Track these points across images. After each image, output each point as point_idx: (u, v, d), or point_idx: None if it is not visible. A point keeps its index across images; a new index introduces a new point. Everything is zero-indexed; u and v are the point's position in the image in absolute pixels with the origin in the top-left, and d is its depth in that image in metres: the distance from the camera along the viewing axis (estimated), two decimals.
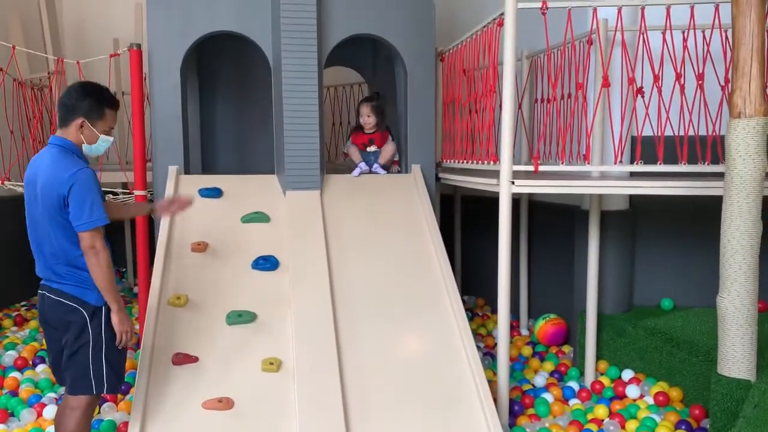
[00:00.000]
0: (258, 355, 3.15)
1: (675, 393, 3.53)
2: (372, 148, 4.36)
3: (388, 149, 4.37)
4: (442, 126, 4.63)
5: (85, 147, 2.70)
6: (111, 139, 2.76)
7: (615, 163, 3.44)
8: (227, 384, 3.01)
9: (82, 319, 2.62)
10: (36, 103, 4.97)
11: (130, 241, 6.43)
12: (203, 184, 4.04)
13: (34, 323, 4.94)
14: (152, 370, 3.00)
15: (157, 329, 3.18)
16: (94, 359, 2.63)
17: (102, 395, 2.72)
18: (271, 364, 3.09)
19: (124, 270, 6.77)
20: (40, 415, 3.45)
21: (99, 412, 3.47)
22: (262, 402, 2.98)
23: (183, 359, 3.07)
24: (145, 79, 4.12)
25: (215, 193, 3.97)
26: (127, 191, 4.39)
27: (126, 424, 3.15)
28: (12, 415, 3.50)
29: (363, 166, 4.34)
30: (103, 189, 4.37)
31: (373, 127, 4.35)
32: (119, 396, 3.67)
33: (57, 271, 2.65)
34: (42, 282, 2.72)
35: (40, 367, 4.06)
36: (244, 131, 5.30)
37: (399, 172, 4.43)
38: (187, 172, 4.15)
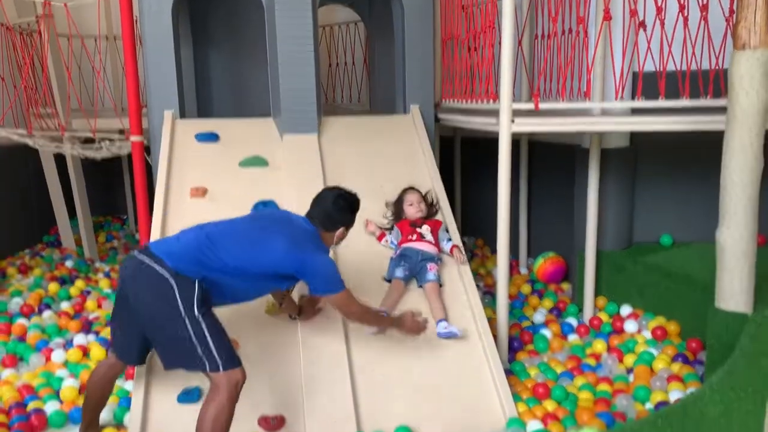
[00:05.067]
0: (262, 298, 3.18)
1: (672, 327, 3.59)
2: (425, 233, 3.45)
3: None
4: (440, 65, 4.54)
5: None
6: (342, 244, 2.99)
7: (616, 99, 3.39)
8: (231, 326, 3.02)
9: (171, 290, 2.45)
10: (26, 49, 4.87)
11: (129, 188, 6.43)
12: (199, 128, 4.00)
13: (38, 271, 4.98)
14: None
15: None
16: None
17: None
18: (275, 306, 3.12)
19: (125, 217, 6.79)
20: (48, 359, 3.52)
21: (107, 356, 3.53)
22: (267, 343, 3.03)
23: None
24: (136, 21, 4.02)
25: (212, 137, 3.94)
26: (123, 137, 4.35)
27: (132, 366, 3.20)
28: (21, 359, 3.57)
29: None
30: (99, 135, 4.37)
31: (422, 212, 3.53)
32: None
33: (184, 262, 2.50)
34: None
35: (47, 314, 4.11)
36: (239, 74, 5.21)
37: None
38: (182, 116, 4.10)
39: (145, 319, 2.48)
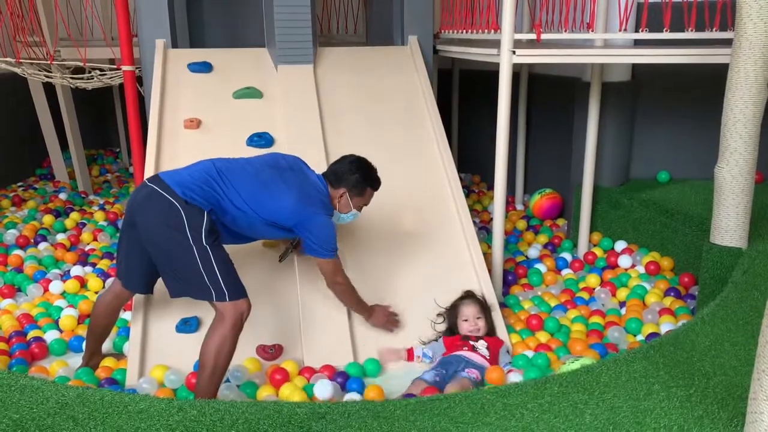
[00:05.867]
0: None
1: (666, 262, 3.62)
2: (480, 346, 2.80)
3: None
4: None
5: (335, 213, 2.76)
6: (359, 214, 2.85)
7: (620, 30, 3.31)
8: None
9: (181, 220, 2.43)
10: None
11: (121, 120, 6.33)
12: (192, 58, 3.90)
13: (32, 203, 4.96)
14: None
15: None
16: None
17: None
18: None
19: (118, 150, 6.72)
20: (46, 290, 3.54)
21: (104, 287, 3.56)
22: (264, 275, 3.04)
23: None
24: None
25: (205, 67, 3.85)
26: (115, 67, 4.24)
27: None
28: (19, 290, 3.59)
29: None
30: (89, 65, 4.26)
31: (483, 331, 2.89)
32: None
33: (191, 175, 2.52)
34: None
35: (43, 245, 4.12)
36: (232, 2, 5.05)
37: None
38: (174, 45, 4.00)
39: (154, 246, 2.47)
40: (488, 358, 2.74)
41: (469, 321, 2.85)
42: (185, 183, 2.48)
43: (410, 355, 2.84)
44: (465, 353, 2.74)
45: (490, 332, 2.92)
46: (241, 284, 2.49)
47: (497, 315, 3.02)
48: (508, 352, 2.88)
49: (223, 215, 2.53)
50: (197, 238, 2.41)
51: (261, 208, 2.57)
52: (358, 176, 2.74)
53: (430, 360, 2.81)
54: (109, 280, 3.59)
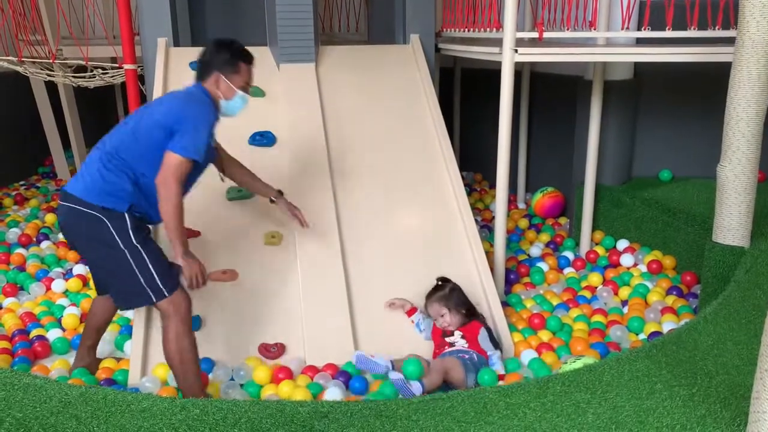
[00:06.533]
0: (259, 229, 3.19)
1: (668, 261, 3.62)
2: (457, 339, 2.84)
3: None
4: None
5: (222, 103, 2.60)
6: (248, 95, 2.66)
7: (622, 29, 3.31)
8: (231, 257, 3.06)
9: (106, 228, 2.42)
10: None
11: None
12: (194, 56, 3.82)
13: (34, 202, 4.96)
14: None
15: None
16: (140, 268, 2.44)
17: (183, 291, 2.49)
18: (273, 237, 3.13)
19: None
20: (49, 288, 3.54)
21: None
22: (266, 273, 3.04)
23: (186, 233, 3.09)
24: None
25: None
26: (117, 66, 4.25)
27: None
28: (21, 288, 3.60)
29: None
30: (91, 63, 4.27)
31: (454, 324, 2.87)
32: None
33: (90, 171, 2.45)
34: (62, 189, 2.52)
35: (45, 244, 4.12)
36: (233, 1, 5.05)
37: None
38: (176, 44, 4.00)
39: (91, 264, 2.50)
40: (467, 347, 2.76)
41: (437, 319, 2.88)
42: (90, 186, 2.43)
43: (411, 312, 2.96)
44: (447, 353, 2.77)
45: (468, 313, 2.88)
46: (177, 279, 2.48)
47: (499, 314, 3.02)
48: (493, 343, 2.84)
49: (138, 180, 2.46)
50: (127, 240, 2.41)
51: (141, 134, 2.45)
52: (223, 54, 2.58)
53: (421, 332, 2.92)
54: None
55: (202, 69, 2.60)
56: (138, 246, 2.42)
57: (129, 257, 2.40)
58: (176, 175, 2.40)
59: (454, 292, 2.91)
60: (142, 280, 2.41)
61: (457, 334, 2.82)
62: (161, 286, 2.42)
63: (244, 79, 2.62)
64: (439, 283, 2.97)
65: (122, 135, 2.50)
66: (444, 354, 2.78)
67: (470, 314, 2.89)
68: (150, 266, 2.41)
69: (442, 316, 2.86)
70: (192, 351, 2.45)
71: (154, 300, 2.43)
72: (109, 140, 2.51)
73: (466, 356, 2.71)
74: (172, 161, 2.40)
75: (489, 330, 2.87)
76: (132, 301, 2.53)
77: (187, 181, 2.50)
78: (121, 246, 2.40)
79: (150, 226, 2.61)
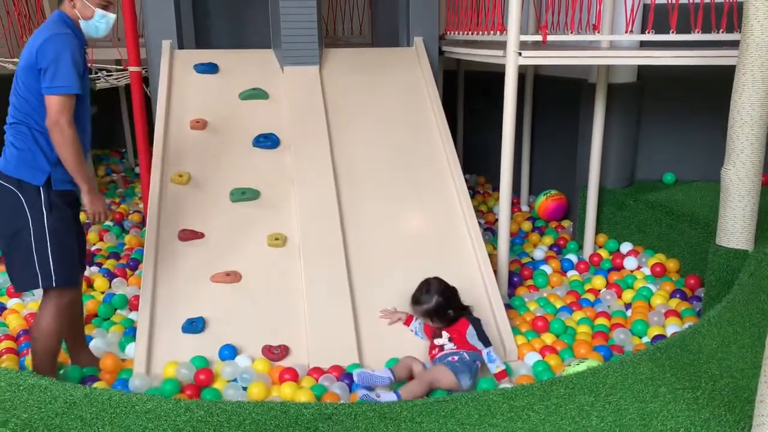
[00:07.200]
0: (263, 231, 3.19)
1: (672, 264, 3.61)
2: (444, 342, 2.82)
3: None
4: None
5: (82, 24, 2.52)
6: (111, 15, 2.55)
7: (626, 32, 3.31)
8: (234, 258, 3.07)
9: (19, 202, 2.42)
10: None
11: (127, 120, 6.35)
12: (198, 59, 3.91)
13: None
14: (159, 246, 3.06)
15: (161, 206, 3.20)
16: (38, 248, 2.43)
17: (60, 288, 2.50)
18: (277, 239, 3.13)
19: (123, 150, 6.74)
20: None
21: (110, 287, 3.58)
22: (270, 275, 3.05)
23: (189, 235, 3.11)
24: None
25: (211, 68, 3.86)
26: (121, 68, 4.26)
27: (137, 297, 3.25)
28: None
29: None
30: (96, 65, 4.28)
31: (441, 325, 2.87)
32: (128, 271, 3.76)
33: (6, 144, 2.45)
34: None
35: None
36: (238, 3, 5.06)
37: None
38: (180, 46, 4.01)
39: (2, 240, 2.47)
40: (456, 348, 2.75)
41: (426, 323, 2.90)
42: (9, 158, 2.43)
43: (408, 321, 2.96)
44: (439, 357, 2.75)
45: (455, 313, 2.82)
46: (74, 272, 2.50)
47: (502, 316, 3.02)
48: (476, 334, 2.78)
49: (45, 132, 2.41)
50: (37, 217, 2.41)
51: (25, 81, 2.41)
52: None
53: (422, 339, 2.91)
54: (115, 280, 3.61)
55: None
56: (46, 227, 2.41)
57: (32, 235, 2.40)
58: (63, 114, 2.36)
59: (434, 303, 2.82)
60: (36, 261, 2.41)
61: (445, 335, 2.81)
62: (52, 274, 2.43)
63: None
64: (422, 293, 2.87)
65: (13, 97, 2.47)
66: (435, 360, 2.76)
67: (456, 313, 2.84)
68: (49, 251, 2.41)
69: (422, 321, 2.91)
70: (56, 343, 2.53)
71: (41, 284, 2.44)
72: (9, 109, 2.49)
73: (456, 358, 2.70)
74: (53, 102, 2.35)
75: (477, 325, 2.82)
76: (24, 282, 2.49)
77: (78, 117, 2.46)
78: (29, 222, 2.40)
79: (81, 213, 2.57)
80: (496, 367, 2.71)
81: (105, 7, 2.53)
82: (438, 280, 2.91)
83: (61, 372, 2.72)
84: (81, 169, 2.43)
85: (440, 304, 2.82)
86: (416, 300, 2.87)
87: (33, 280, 2.45)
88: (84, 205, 2.52)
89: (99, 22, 2.54)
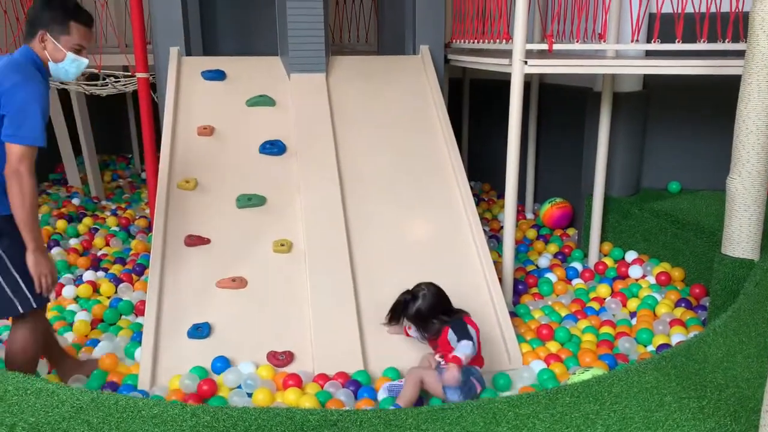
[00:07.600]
0: (269, 237, 3.21)
1: (677, 273, 3.61)
2: (439, 359, 2.71)
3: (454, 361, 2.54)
4: (451, 4, 4.43)
5: (52, 66, 2.40)
6: (83, 60, 2.43)
7: (632, 41, 3.32)
8: (240, 264, 3.08)
9: None
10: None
11: (134, 126, 6.39)
12: (206, 66, 3.94)
13: (45, 208, 5.00)
14: (166, 252, 3.07)
15: (168, 212, 3.22)
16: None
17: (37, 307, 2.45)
18: (282, 245, 3.15)
19: (130, 156, 6.77)
20: (59, 294, 3.56)
21: (116, 292, 3.59)
22: (275, 281, 3.06)
23: (195, 241, 3.13)
24: None
25: (218, 75, 3.88)
26: (129, 74, 4.29)
27: (143, 302, 3.26)
28: None
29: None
30: (104, 71, 4.31)
31: (423, 338, 2.86)
32: (134, 276, 3.77)
33: None
34: None
35: (56, 250, 4.15)
36: (245, 12, 5.10)
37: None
38: (188, 53, 4.04)
39: None
40: (444, 361, 2.59)
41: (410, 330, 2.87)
42: None
43: (406, 332, 2.90)
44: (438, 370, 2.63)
45: (439, 322, 2.70)
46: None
47: (507, 324, 3.02)
48: (459, 334, 2.63)
49: None
50: None
51: None
52: (51, 11, 2.34)
53: (424, 342, 2.86)
54: (121, 285, 3.63)
55: (29, 27, 2.36)
56: (1, 253, 2.33)
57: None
58: (23, 163, 2.23)
59: (412, 318, 2.76)
60: (7, 289, 2.34)
61: (438, 356, 2.68)
62: (28, 294, 2.37)
63: (75, 40, 2.39)
64: (403, 302, 2.79)
65: None
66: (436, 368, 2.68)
67: (441, 321, 2.71)
68: (15, 274, 2.33)
69: (408, 332, 2.88)
70: (35, 367, 2.51)
71: (20, 309, 2.37)
72: None
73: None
74: (14, 150, 2.23)
75: (455, 325, 2.67)
76: (2, 310, 2.42)
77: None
78: None
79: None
80: (461, 356, 2.52)
81: (78, 51, 2.41)
82: (414, 292, 2.79)
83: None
84: (32, 224, 2.28)
85: (415, 315, 2.74)
86: (392, 318, 2.85)
87: (11, 307, 2.38)
88: (27, 263, 2.34)
89: (70, 66, 2.42)
